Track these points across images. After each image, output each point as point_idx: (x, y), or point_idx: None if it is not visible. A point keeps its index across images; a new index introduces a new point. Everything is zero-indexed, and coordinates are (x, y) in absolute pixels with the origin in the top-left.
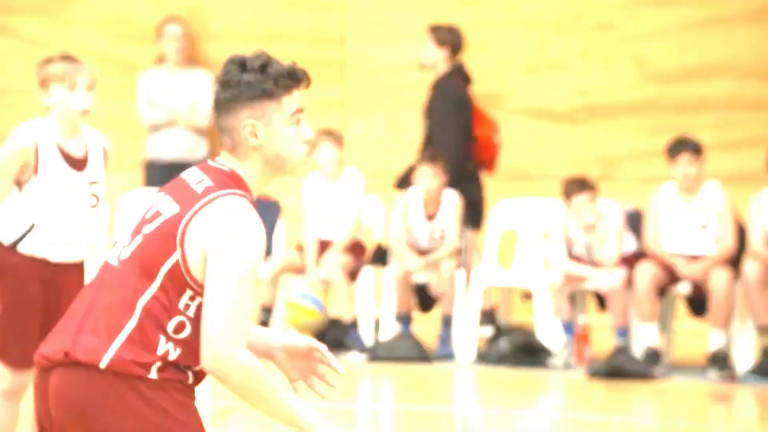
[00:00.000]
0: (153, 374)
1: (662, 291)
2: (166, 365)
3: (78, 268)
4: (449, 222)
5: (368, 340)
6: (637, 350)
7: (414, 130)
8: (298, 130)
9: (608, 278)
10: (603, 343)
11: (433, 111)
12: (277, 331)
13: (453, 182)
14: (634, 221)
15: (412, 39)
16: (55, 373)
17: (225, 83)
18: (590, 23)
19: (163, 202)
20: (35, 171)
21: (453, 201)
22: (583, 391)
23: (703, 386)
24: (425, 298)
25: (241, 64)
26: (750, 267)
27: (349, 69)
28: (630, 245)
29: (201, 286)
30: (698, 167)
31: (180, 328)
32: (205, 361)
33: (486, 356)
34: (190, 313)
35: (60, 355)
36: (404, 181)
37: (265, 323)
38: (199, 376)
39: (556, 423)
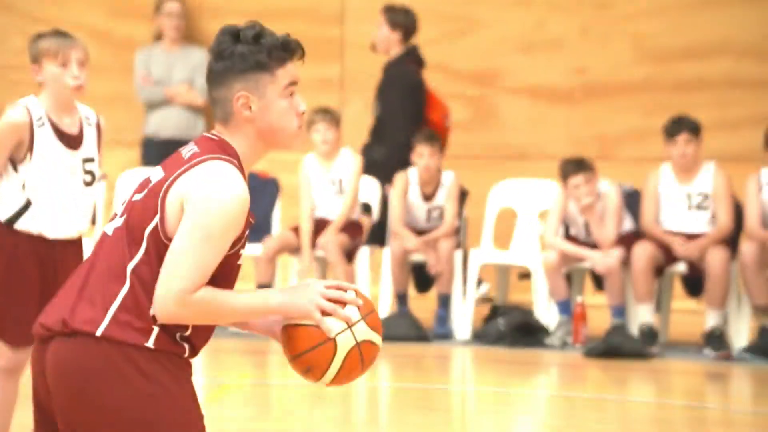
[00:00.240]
0: (150, 343)
1: (659, 270)
2: (161, 334)
3: (75, 244)
4: (447, 202)
5: None
6: (634, 329)
7: None
8: (292, 102)
9: (605, 258)
10: (600, 323)
11: (384, 94)
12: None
13: (402, 165)
14: (632, 201)
15: None
16: (54, 343)
17: (218, 54)
18: (589, 1)
19: (153, 172)
20: (30, 149)
21: (451, 181)
22: (579, 370)
23: (699, 365)
24: (423, 279)
25: (234, 35)
26: (746, 248)
27: (348, 47)
28: (627, 225)
29: None
30: (696, 147)
31: None
32: (155, 307)
33: (483, 335)
34: None
35: (59, 324)
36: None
37: None
38: (196, 349)
39: (553, 402)
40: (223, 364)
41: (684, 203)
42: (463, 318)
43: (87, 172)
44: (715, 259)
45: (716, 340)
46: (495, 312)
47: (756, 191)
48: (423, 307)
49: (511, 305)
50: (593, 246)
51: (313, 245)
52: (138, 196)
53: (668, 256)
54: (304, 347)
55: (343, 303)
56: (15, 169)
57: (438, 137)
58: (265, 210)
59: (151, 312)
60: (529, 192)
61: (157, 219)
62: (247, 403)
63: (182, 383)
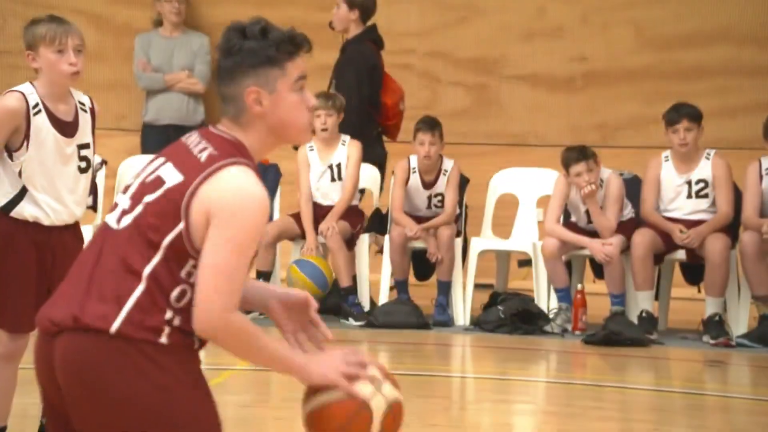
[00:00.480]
0: (163, 339)
1: (659, 258)
2: (174, 331)
3: (72, 229)
4: (448, 189)
5: (366, 306)
6: (633, 316)
7: (414, 97)
8: (302, 96)
9: (605, 246)
10: (599, 310)
11: (340, 74)
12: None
13: None
14: (632, 188)
15: (411, 2)
16: (63, 339)
17: (226, 51)
18: None
19: (164, 169)
20: (26, 137)
21: (451, 168)
22: (579, 357)
23: (698, 352)
24: (423, 266)
25: (240, 31)
26: (747, 237)
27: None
28: (627, 212)
29: None
30: (696, 134)
31: (181, 296)
32: (197, 324)
33: (483, 322)
34: (193, 280)
35: (68, 320)
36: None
37: None
38: (203, 341)
39: (552, 388)
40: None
41: (684, 191)
42: (463, 305)
43: (82, 158)
44: (715, 246)
45: (715, 327)
46: (495, 299)
47: (756, 180)
48: (423, 294)
49: (511, 292)
50: (594, 233)
51: (315, 231)
52: (151, 196)
53: (668, 243)
54: (337, 423)
55: (363, 366)
56: (10, 156)
57: (438, 124)
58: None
59: (194, 327)
60: (529, 179)
61: (180, 228)
62: (247, 389)
63: (195, 374)
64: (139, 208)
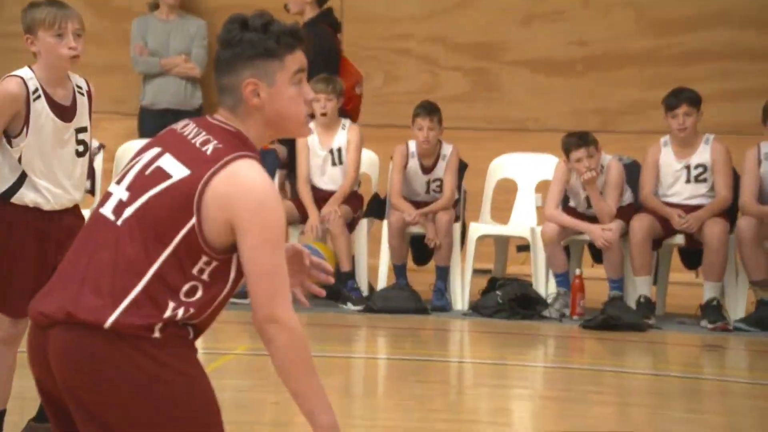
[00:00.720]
0: (156, 334)
1: (657, 243)
2: (167, 324)
3: (72, 212)
4: (446, 174)
5: (365, 291)
6: (631, 301)
7: (413, 82)
8: (300, 90)
9: (604, 232)
10: (598, 295)
11: None
12: None
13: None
14: (631, 173)
15: None
16: (56, 332)
17: (226, 42)
18: None
19: (165, 161)
20: (26, 123)
21: (450, 153)
22: (577, 342)
23: (696, 337)
24: (421, 251)
25: (242, 23)
26: (743, 222)
27: (348, 20)
28: (626, 197)
29: (217, 251)
30: (695, 119)
31: (192, 291)
32: (259, 323)
33: (481, 307)
34: (205, 277)
35: (61, 314)
36: None
37: None
38: (198, 332)
39: (550, 373)
40: (221, 334)
41: (683, 175)
42: (462, 290)
43: (79, 142)
44: (713, 231)
45: (713, 311)
46: (493, 284)
47: (754, 164)
48: (421, 279)
49: (510, 277)
50: (592, 218)
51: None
52: (154, 189)
53: (666, 228)
54: None
55: None
56: (9, 143)
57: (437, 109)
58: None
59: (256, 322)
60: (529, 165)
61: (192, 223)
62: (244, 373)
63: (191, 363)
64: (141, 201)
